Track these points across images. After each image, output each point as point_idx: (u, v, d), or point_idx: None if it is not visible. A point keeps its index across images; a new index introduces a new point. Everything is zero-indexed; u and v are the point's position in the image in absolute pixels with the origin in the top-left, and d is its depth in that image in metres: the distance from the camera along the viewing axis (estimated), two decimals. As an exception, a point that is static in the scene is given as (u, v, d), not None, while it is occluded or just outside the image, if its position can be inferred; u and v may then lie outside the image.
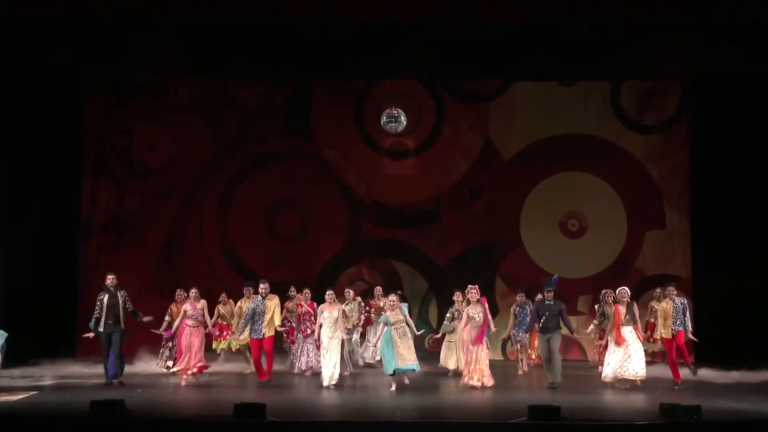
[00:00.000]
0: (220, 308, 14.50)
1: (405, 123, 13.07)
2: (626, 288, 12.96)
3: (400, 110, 13.00)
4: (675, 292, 12.82)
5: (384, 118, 13.06)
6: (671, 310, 12.68)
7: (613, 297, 12.85)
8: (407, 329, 12.47)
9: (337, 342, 12.59)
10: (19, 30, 13.54)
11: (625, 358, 12.42)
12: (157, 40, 14.24)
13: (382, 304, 14.01)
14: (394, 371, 12.23)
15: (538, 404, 9.83)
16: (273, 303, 12.64)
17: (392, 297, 12.64)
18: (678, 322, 12.65)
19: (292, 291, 14.31)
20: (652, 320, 13.98)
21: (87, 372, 13.78)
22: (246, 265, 17.11)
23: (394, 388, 12.17)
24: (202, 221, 17.43)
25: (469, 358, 12.45)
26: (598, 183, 17.15)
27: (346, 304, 14.34)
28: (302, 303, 13.87)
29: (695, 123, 16.94)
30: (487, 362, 12.55)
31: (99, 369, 13.25)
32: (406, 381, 12.57)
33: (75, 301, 16.69)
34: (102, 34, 13.68)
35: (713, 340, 15.24)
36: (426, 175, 17.32)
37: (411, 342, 12.40)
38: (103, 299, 12.76)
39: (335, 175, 17.47)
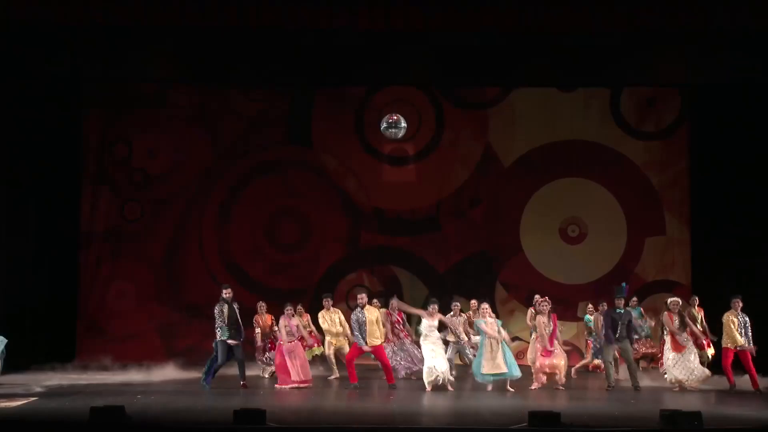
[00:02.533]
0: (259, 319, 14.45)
1: (405, 129, 13.09)
2: (677, 298, 13.35)
3: (399, 116, 13.02)
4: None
5: (384, 124, 13.07)
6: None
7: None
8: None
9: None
10: (18, 39, 13.53)
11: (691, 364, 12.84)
12: (157, 49, 14.23)
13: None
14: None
15: (538, 410, 9.80)
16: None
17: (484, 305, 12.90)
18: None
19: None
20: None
21: (86, 378, 13.76)
22: (246, 274, 17.11)
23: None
24: (202, 230, 17.42)
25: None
26: (598, 189, 17.18)
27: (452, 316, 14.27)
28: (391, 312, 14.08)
29: (695, 131, 16.97)
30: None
31: (98, 375, 13.27)
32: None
33: (75, 308, 16.70)
34: (102, 42, 13.68)
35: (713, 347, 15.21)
36: (426, 182, 17.35)
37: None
38: (223, 310, 12.85)
39: (335, 183, 17.48)
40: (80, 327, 16.71)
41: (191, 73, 15.81)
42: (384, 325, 13.47)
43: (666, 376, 13.21)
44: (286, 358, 13.06)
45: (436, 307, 13.02)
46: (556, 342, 12.97)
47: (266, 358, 14.19)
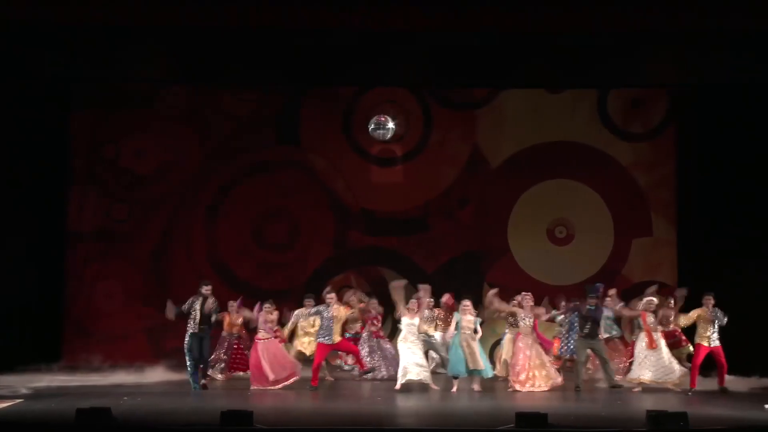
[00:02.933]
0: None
1: (393, 130, 13.12)
2: (653, 297, 13.44)
3: (387, 117, 13.06)
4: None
5: (372, 125, 13.11)
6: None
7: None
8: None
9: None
10: (6, 39, 13.48)
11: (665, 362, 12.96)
12: (146, 49, 14.21)
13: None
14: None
15: (525, 411, 9.82)
16: None
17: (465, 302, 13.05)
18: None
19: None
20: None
21: (73, 380, 13.71)
22: (234, 274, 17.08)
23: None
24: (190, 230, 17.38)
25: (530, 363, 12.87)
26: (586, 190, 17.22)
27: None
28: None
29: (682, 132, 17.03)
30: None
31: (85, 377, 13.24)
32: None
33: (61, 309, 16.64)
34: (90, 42, 13.64)
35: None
36: (414, 182, 17.35)
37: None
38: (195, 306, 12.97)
39: (323, 184, 17.47)
40: (67, 328, 16.65)
41: (180, 74, 15.82)
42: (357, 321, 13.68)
43: (629, 374, 13.16)
44: (261, 357, 13.01)
45: (416, 303, 13.07)
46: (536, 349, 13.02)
47: (223, 359, 14.12)
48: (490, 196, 17.34)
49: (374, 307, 14.41)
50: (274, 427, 9.69)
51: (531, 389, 12.77)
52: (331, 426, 10.08)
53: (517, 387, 12.83)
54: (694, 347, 13.41)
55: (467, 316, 12.84)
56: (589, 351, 13.39)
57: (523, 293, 13.48)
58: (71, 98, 17.07)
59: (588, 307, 13.19)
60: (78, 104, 17.18)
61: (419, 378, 12.68)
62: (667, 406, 10.58)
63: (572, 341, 13.89)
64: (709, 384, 13.51)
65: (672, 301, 14.12)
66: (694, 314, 13.15)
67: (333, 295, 13.20)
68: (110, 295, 16.81)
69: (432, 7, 12.88)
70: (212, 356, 14.10)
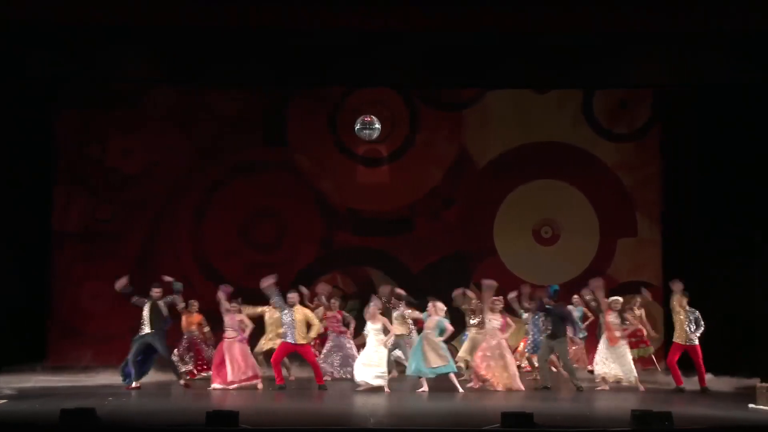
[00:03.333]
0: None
1: (379, 130, 13.15)
2: (618, 297, 13.50)
3: (374, 117, 13.08)
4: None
5: (358, 125, 13.13)
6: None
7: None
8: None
9: None
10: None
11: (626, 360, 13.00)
12: (132, 49, 14.12)
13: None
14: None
15: (510, 411, 9.84)
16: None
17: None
18: None
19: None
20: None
21: (58, 380, 13.66)
22: (220, 274, 17.05)
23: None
24: (177, 230, 17.36)
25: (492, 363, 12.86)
26: (571, 191, 17.28)
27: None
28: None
29: (667, 132, 17.11)
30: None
31: (70, 378, 13.20)
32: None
33: (47, 309, 16.59)
34: (76, 41, 13.58)
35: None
36: (400, 183, 17.38)
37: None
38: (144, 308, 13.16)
39: (310, 184, 17.48)
40: (53, 328, 16.60)
41: (167, 73, 15.70)
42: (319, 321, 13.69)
43: (595, 371, 13.19)
44: (225, 356, 13.00)
45: (374, 308, 13.10)
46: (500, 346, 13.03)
47: (185, 358, 14.13)
48: (476, 197, 17.38)
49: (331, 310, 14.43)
50: (260, 427, 9.67)
51: (488, 387, 12.79)
52: (317, 426, 10.09)
53: (474, 385, 12.91)
54: (671, 346, 13.43)
55: (434, 317, 12.87)
56: (553, 351, 13.43)
57: (494, 298, 13.38)
58: (57, 98, 17.00)
59: (548, 306, 13.24)
60: (64, 104, 17.12)
61: (366, 381, 12.73)
62: (652, 405, 10.62)
63: (538, 340, 13.92)
64: (694, 384, 13.57)
65: (638, 300, 14.21)
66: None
67: (295, 295, 13.17)
68: (96, 296, 16.71)
69: (419, 8, 12.89)
70: (175, 356, 14.09)
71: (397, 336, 13.58)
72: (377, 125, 13.07)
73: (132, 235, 17.20)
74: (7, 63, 14.23)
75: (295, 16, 12.83)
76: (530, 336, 14.14)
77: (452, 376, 12.84)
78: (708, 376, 13.53)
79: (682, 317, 13.12)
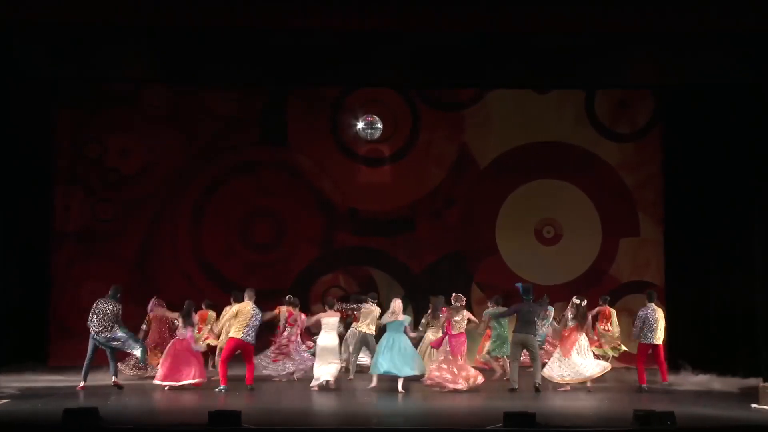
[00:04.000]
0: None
1: (380, 129, 13.15)
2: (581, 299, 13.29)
3: (375, 117, 13.08)
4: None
5: (360, 125, 13.14)
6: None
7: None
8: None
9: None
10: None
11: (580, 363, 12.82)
12: (130, 48, 14.12)
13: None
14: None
15: (513, 411, 9.84)
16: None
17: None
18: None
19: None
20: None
21: (60, 380, 13.64)
22: (220, 274, 17.04)
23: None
24: (176, 230, 17.33)
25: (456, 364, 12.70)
26: (573, 190, 17.26)
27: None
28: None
29: (668, 132, 17.10)
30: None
31: (71, 377, 13.18)
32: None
33: (47, 309, 16.55)
34: (74, 41, 13.55)
35: (686, 347, 15.39)
36: (401, 182, 17.35)
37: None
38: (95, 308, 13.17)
39: (310, 183, 17.45)
40: (53, 328, 16.55)
41: (165, 73, 15.73)
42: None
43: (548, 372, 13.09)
44: (169, 355, 12.97)
45: (335, 304, 13.29)
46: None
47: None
48: (477, 196, 17.36)
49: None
50: (262, 426, 9.68)
51: (454, 387, 12.62)
52: (319, 426, 10.09)
53: (431, 383, 12.76)
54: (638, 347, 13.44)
55: (398, 317, 12.89)
56: (522, 348, 13.32)
57: (455, 294, 13.24)
58: (55, 97, 16.95)
59: (522, 306, 13.19)
60: (62, 103, 17.07)
61: (326, 380, 12.76)
62: (655, 405, 10.62)
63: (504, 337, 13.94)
64: (698, 384, 13.59)
65: (607, 299, 14.16)
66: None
67: (252, 293, 13.03)
68: (96, 296, 16.63)
69: (419, 7, 12.87)
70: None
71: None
72: (379, 125, 13.09)
73: (131, 235, 17.17)
74: (6, 63, 14.22)
75: (295, 16, 12.80)
76: (494, 334, 14.13)
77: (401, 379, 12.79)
78: (711, 377, 13.53)
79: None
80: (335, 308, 13.59)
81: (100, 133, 17.24)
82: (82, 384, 12.84)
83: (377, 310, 13.76)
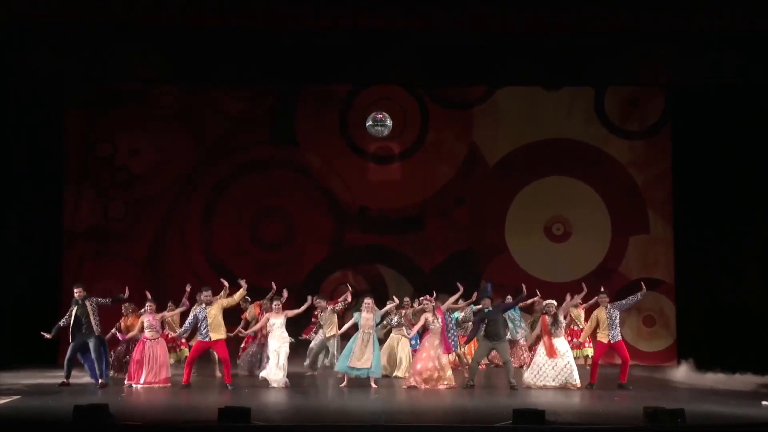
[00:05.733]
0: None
1: (390, 127, 13.11)
2: (553, 301, 13.13)
3: (385, 114, 13.04)
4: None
5: (369, 122, 13.09)
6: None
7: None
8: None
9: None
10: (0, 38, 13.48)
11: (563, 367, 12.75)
12: (140, 48, 14.20)
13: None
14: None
15: (522, 408, 9.83)
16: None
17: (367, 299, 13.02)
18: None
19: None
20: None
21: (71, 378, 13.67)
22: (231, 273, 17.02)
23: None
24: (186, 229, 17.39)
25: (435, 363, 12.70)
26: (583, 188, 17.26)
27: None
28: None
29: (679, 130, 17.05)
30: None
31: (82, 376, 13.23)
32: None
33: (58, 308, 16.57)
34: (84, 41, 13.64)
35: (695, 344, 15.36)
36: (411, 180, 17.39)
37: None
38: (71, 311, 13.16)
39: (319, 182, 17.49)
40: (63, 327, 16.58)
41: (175, 73, 15.79)
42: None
43: (527, 379, 12.92)
44: (144, 356, 12.95)
45: (280, 304, 13.13)
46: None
47: (122, 360, 14.05)
48: (487, 194, 17.37)
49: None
50: (272, 423, 9.69)
51: (431, 387, 12.63)
52: (328, 423, 10.09)
53: (414, 383, 12.73)
54: (595, 345, 13.31)
55: (367, 314, 12.84)
56: (493, 352, 13.35)
57: (426, 296, 13.25)
58: (65, 97, 17.03)
59: (485, 309, 13.14)
60: (73, 103, 17.16)
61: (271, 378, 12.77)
62: (664, 402, 10.59)
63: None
64: (706, 381, 13.54)
65: (578, 299, 14.09)
66: (593, 320, 13.00)
67: (209, 293, 12.91)
68: (107, 294, 16.73)
69: (428, 7, 12.89)
70: (111, 357, 14.02)
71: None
72: (389, 122, 13.02)
73: (142, 234, 17.25)
74: (19, 63, 14.31)
75: (304, 15, 12.84)
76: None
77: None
78: (721, 374, 13.48)
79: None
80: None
81: (111, 132, 17.32)
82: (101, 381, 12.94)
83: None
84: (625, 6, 12.83)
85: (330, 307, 14.25)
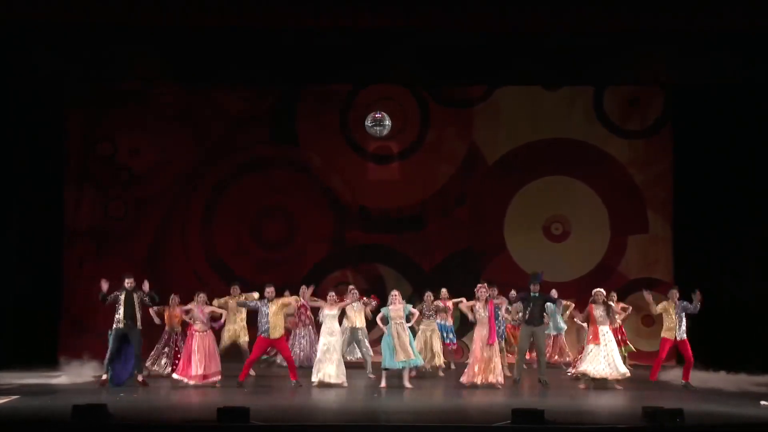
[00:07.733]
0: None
1: (389, 126, 13.12)
2: (601, 289, 13.21)
3: (384, 114, 13.05)
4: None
5: (368, 122, 13.10)
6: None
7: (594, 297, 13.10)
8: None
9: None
10: (0, 38, 13.49)
11: (605, 357, 12.67)
12: (141, 48, 14.22)
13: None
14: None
15: (521, 407, 9.84)
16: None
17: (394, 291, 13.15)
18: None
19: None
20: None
21: (69, 377, 13.71)
22: (231, 272, 17.07)
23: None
24: (187, 228, 17.40)
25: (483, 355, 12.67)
26: (582, 187, 17.26)
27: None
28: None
29: (678, 130, 17.06)
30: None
31: (81, 373, 13.26)
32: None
33: (58, 306, 16.64)
34: (84, 41, 13.66)
35: (695, 344, 15.33)
36: (410, 180, 17.38)
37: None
38: (120, 298, 13.15)
39: (320, 181, 17.49)
40: (63, 325, 16.63)
41: (175, 72, 15.81)
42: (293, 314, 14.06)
43: (574, 369, 12.99)
44: (194, 349, 12.98)
45: (334, 294, 13.23)
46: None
47: (164, 353, 14.14)
48: (486, 193, 17.38)
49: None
50: (271, 423, 9.70)
51: (480, 382, 12.62)
52: (328, 422, 10.10)
53: (465, 379, 12.71)
54: (660, 341, 13.28)
55: (396, 306, 12.86)
56: (531, 339, 13.33)
57: (479, 285, 13.19)
58: (66, 97, 17.03)
59: (532, 294, 13.27)
60: (73, 103, 17.15)
61: (330, 379, 12.70)
62: (663, 402, 10.60)
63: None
64: (706, 380, 13.54)
65: (614, 296, 14.11)
66: (662, 306, 13.05)
67: (272, 289, 13.02)
68: (108, 292, 16.77)
69: (429, 6, 12.90)
70: (153, 352, 14.17)
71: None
72: (388, 122, 13.03)
73: (143, 233, 17.25)
74: (20, 63, 14.33)
75: (305, 15, 12.85)
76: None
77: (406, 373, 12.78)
78: (721, 374, 13.49)
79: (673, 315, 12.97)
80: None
81: (111, 132, 17.32)
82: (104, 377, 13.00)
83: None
84: (625, 6, 12.85)
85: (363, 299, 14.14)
